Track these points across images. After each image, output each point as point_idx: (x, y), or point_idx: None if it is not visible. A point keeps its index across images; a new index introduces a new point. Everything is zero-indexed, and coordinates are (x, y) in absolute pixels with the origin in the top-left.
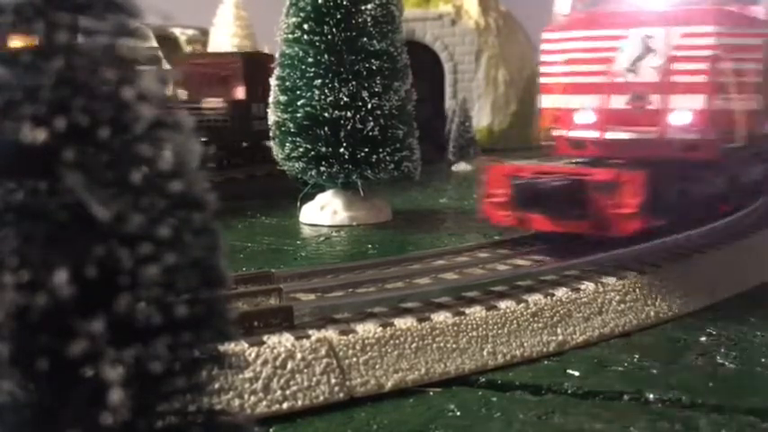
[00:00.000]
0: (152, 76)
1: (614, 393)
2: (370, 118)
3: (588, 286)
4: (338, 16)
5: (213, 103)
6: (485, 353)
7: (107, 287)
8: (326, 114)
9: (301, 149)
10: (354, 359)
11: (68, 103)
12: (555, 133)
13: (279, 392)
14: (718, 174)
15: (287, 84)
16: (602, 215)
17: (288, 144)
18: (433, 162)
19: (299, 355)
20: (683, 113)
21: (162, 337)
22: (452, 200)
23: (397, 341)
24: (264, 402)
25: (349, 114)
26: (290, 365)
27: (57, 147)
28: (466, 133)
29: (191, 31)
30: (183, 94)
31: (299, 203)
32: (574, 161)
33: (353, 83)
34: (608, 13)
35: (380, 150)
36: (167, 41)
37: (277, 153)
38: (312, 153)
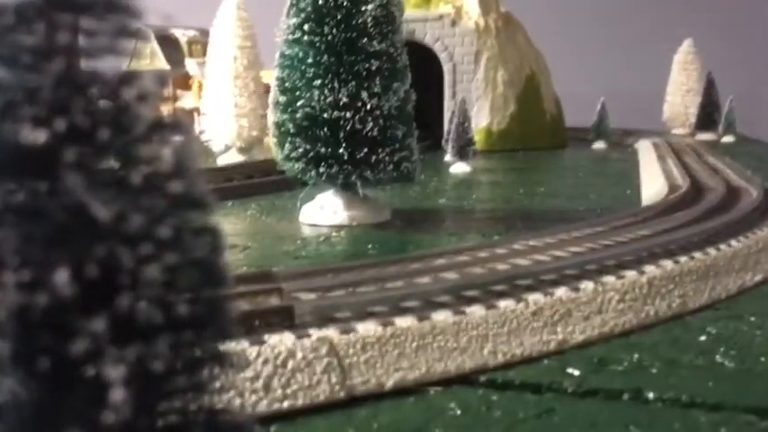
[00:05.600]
0: (152, 77)
1: (614, 392)
2: (370, 118)
3: (588, 286)
4: (338, 17)
5: None
6: (485, 352)
7: (108, 286)
8: (326, 115)
9: (301, 150)
10: (355, 358)
11: (68, 104)
12: None
13: (279, 391)
14: None
15: (286, 84)
16: None
17: (287, 145)
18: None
19: (299, 355)
20: None
21: (163, 336)
22: (451, 200)
23: (398, 340)
24: (265, 401)
25: (348, 115)
26: (290, 364)
27: (57, 148)
28: (465, 134)
29: (191, 32)
30: None
31: (299, 203)
32: None
33: (353, 83)
34: None
35: (380, 151)
36: (168, 42)
37: (277, 154)
38: (311, 154)
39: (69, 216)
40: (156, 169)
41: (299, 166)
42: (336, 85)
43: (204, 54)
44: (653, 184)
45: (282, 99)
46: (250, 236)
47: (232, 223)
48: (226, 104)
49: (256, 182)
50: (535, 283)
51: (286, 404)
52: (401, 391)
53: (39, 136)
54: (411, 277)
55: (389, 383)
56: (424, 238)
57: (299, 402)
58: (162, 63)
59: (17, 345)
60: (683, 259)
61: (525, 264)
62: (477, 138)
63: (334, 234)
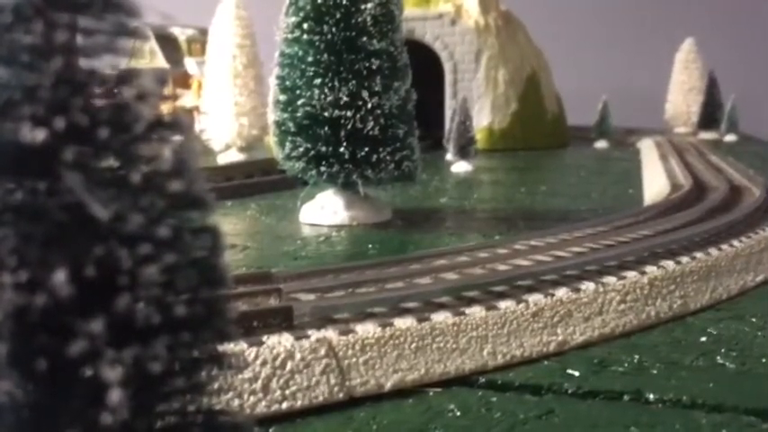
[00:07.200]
0: (151, 76)
1: (614, 393)
2: (371, 117)
3: (588, 286)
4: (338, 15)
5: None
6: (485, 353)
7: (106, 287)
8: (326, 114)
9: (301, 149)
10: (354, 359)
11: (67, 103)
12: None
13: (278, 393)
14: None
15: (287, 83)
16: None
17: (288, 144)
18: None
19: (298, 356)
20: None
21: (161, 338)
22: (453, 199)
23: (397, 341)
24: (264, 402)
25: (349, 114)
26: (289, 366)
27: (56, 147)
28: (466, 133)
29: (190, 31)
30: None
31: (299, 203)
32: None
33: (353, 82)
34: None
35: (381, 150)
36: (166, 41)
37: (277, 153)
38: (312, 153)
39: (68, 215)
40: (156, 168)
41: (299, 165)
42: (337, 83)
43: (203, 53)
44: (655, 184)
45: (283, 98)
46: (250, 236)
47: (232, 223)
48: (225, 103)
49: (256, 181)
50: (536, 284)
51: (285, 405)
52: (400, 393)
53: (38, 135)
54: (411, 278)
55: (388, 385)
56: (424, 238)
57: (298, 404)
58: (161, 62)
59: (15, 346)
60: (684, 259)
61: (526, 264)
62: (479, 137)
63: (334, 234)
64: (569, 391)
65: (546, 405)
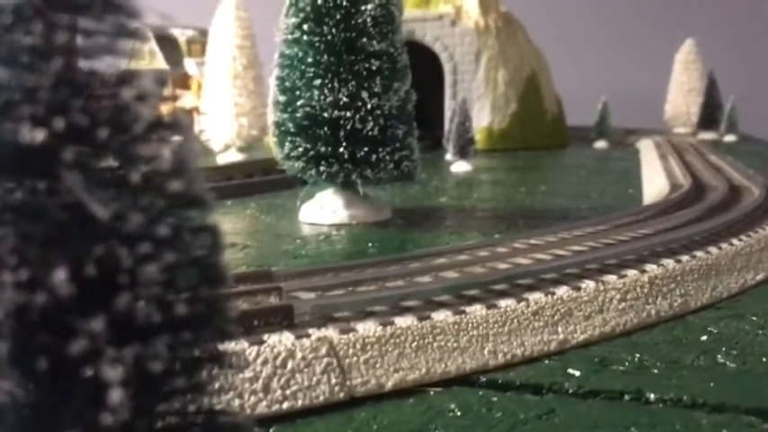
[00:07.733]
0: (151, 77)
1: (615, 393)
2: (370, 118)
3: (589, 285)
4: (338, 17)
5: None
6: (485, 352)
7: (106, 286)
8: (326, 114)
9: (301, 149)
10: (355, 358)
11: (67, 104)
12: None
13: (279, 392)
14: None
15: (286, 84)
16: None
17: (287, 144)
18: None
19: (299, 355)
20: None
21: (162, 337)
22: (452, 199)
23: (398, 340)
24: (264, 402)
25: (349, 114)
26: (290, 365)
27: (56, 147)
28: (466, 133)
29: (190, 32)
30: None
31: (298, 202)
32: None
33: (353, 83)
34: None
35: (380, 150)
36: (166, 42)
37: (277, 153)
38: (312, 153)
39: (68, 215)
40: (156, 168)
41: (299, 164)
42: (336, 84)
43: (203, 54)
44: (655, 183)
45: (282, 98)
46: (249, 235)
47: (231, 222)
48: (225, 104)
49: (256, 181)
50: (536, 283)
51: (285, 405)
52: (401, 392)
53: (37, 135)
54: (411, 276)
55: (389, 384)
56: (424, 237)
57: (299, 403)
58: (161, 63)
59: (15, 345)
60: (684, 258)
61: (526, 263)
62: (478, 137)
63: (334, 233)
64: (570, 391)
65: (547, 405)
